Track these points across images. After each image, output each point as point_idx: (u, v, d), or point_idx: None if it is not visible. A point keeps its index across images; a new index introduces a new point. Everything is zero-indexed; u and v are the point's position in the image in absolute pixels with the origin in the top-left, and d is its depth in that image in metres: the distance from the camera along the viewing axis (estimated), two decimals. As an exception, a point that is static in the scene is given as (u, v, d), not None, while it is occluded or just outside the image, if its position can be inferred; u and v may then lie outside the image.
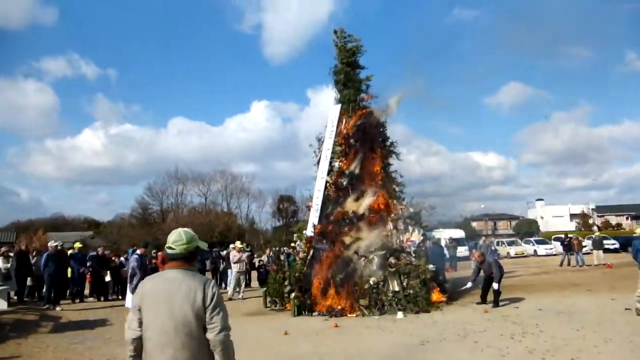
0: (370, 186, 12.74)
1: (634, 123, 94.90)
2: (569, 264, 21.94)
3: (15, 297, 14.21)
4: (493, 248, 24.48)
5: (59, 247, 13.77)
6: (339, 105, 13.68)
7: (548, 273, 18.87)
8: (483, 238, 28.24)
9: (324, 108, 14.74)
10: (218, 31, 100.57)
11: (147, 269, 10.50)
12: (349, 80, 13.90)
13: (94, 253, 16.13)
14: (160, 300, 2.64)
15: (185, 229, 2.92)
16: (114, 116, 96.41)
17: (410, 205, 13.27)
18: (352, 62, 14.00)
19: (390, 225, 12.33)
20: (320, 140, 14.06)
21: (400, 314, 10.34)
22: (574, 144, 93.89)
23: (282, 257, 17.94)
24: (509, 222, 70.71)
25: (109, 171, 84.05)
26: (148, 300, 2.68)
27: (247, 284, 16.21)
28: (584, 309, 9.89)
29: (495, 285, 10.93)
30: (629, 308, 9.33)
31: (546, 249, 33.82)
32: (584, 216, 63.53)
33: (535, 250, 34.42)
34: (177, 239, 2.79)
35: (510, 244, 36.96)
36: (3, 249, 14.70)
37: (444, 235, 28.18)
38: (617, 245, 31.32)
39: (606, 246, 26.08)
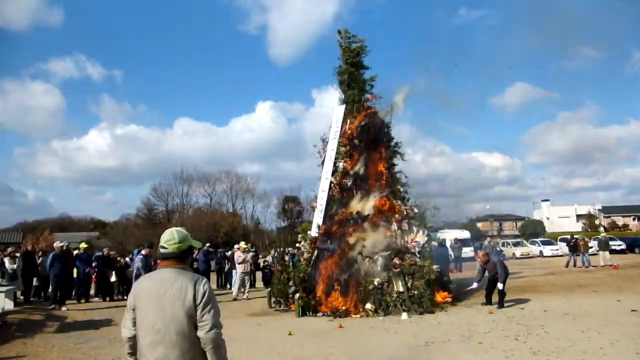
0: (374, 187, 12.74)
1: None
2: (574, 265, 21.81)
3: (22, 297, 14.31)
4: (498, 249, 24.43)
5: (64, 248, 13.85)
6: (343, 106, 13.69)
7: (554, 274, 18.76)
8: (488, 239, 28.18)
9: (329, 108, 14.75)
10: (223, 32, 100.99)
11: (152, 269, 10.51)
12: (353, 80, 13.90)
13: (100, 253, 16.22)
14: (152, 299, 2.66)
15: (178, 228, 2.94)
16: (119, 117, 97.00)
17: (415, 205, 13.25)
18: (356, 63, 14.00)
19: (394, 226, 12.31)
20: (324, 141, 14.07)
21: (404, 315, 10.32)
22: (581, 144, 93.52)
23: (286, 258, 17.96)
24: (514, 223, 70.39)
25: (115, 172, 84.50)
26: (141, 299, 2.71)
27: (252, 285, 16.23)
28: (590, 311, 9.83)
29: (500, 286, 10.89)
30: (635, 309, 9.27)
31: (552, 249, 33.63)
32: (590, 217, 63.18)
33: (541, 251, 34.25)
34: (169, 238, 2.82)
35: (516, 244, 36.82)
36: (9, 249, 14.84)
37: (449, 235, 28.15)
38: (623, 246, 31.14)
39: (612, 247, 25.93)
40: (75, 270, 14.61)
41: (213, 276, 19.01)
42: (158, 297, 2.65)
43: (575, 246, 22.35)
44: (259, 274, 19.07)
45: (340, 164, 13.10)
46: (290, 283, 12.22)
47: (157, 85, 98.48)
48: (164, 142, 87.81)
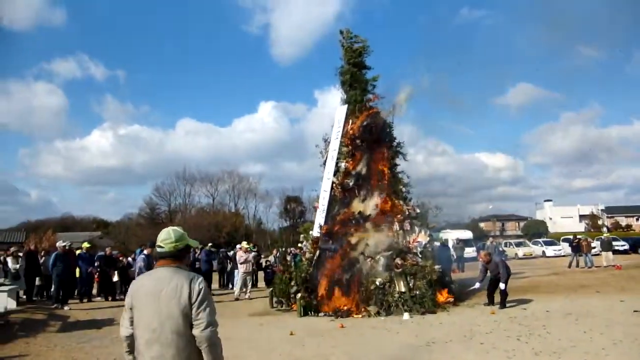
0: (376, 187, 12.73)
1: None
2: (577, 266, 21.76)
3: (24, 297, 14.34)
4: (500, 249, 24.36)
5: (67, 247, 13.88)
6: (346, 106, 13.68)
7: (556, 274, 18.72)
8: (490, 239, 28.11)
9: (332, 109, 14.75)
10: (225, 32, 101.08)
11: (153, 268, 10.52)
12: (355, 80, 13.90)
13: (102, 253, 16.24)
14: (148, 298, 2.69)
15: (175, 227, 2.96)
16: (122, 117, 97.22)
17: (417, 206, 13.24)
18: (358, 63, 14.00)
19: (396, 226, 12.30)
20: (326, 141, 14.07)
21: (406, 315, 10.31)
22: (583, 144, 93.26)
23: (288, 258, 17.96)
24: (517, 223, 70.26)
25: (118, 171, 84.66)
26: (138, 298, 2.74)
27: (254, 284, 16.24)
28: (592, 311, 9.80)
29: (502, 286, 10.86)
30: (638, 310, 9.24)
31: (555, 250, 33.58)
32: (593, 217, 63.01)
33: (543, 252, 34.19)
34: (166, 237, 2.84)
35: (519, 245, 36.74)
36: (12, 249, 14.87)
37: (451, 236, 28.14)
38: (626, 247, 31.04)
39: (615, 247, 25.84)
40: (77, 270, 14.66)
41: (215, 276, 19.03)
42: (154, 296, 2.67)
43: (577, 246, 22.30)
44: (261, 274, 19.11)
45: (342, 164, 13.10)
46: (292, 283, 12.23)
47: (159, 85, 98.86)
48: (166, 142, 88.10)
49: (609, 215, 65.49)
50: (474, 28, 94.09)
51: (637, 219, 65.78)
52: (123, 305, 2.92)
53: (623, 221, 63.56)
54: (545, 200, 71.64)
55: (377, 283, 11.05)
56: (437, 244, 13.97)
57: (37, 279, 14.65)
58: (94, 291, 15.82)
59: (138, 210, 58.12)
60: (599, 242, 24.34)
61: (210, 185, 59.90)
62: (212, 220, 51.22)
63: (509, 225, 71.58)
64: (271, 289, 13.35)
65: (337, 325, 9.77)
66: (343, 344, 8.04)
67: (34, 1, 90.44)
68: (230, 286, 17.89)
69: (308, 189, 63.94)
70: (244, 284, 15.13)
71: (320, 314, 11.25)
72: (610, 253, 21.68)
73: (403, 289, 10.97)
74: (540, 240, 38.40)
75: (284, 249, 21.23)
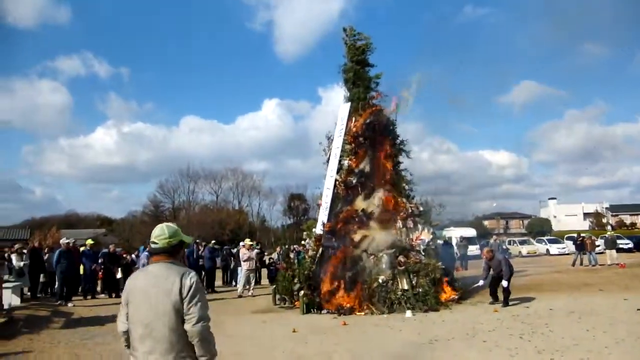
0: (379, 184, 12.72)
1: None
2: (581, 264, 21.69)
3: (29, 293, 14.45)
4: (504, 247, 24.31)
5: (71, 245, 13.95)
6: (349, 104, 13.65)
7: (560, 272, 18.66)
8: (494, 237, 28.08)
9: (336, 106, 14.72)
10: (229, 29, 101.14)
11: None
12: (359, 78, 13.84)
13: (106, 250, 16.32)
14: (142, 293, 2.72)
15: (168, 223, 2.99)
16: (126, 114, 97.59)
17: (420, 203, 13.21)
18: (361, 60, 13.94)
19: (399, 224, 12.29)
20: (329, 139, 14.04)
21: (409, 313, 10.30)
22: (588, 142, 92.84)
23: (291, 255, 17.98)
24: (521, 221, 70.04)
25: (122, 169, 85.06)
26: (133, 294, 2.78)
27: (257, 282, 16.28)
28: (596, 309, 9.77)
29: (504, 283, 10.82)
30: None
31: (558, 248, 33.50)
32: (597, 215, 62.79)
33: (547, 250, 34.12)
34: (159, 233, 2.86)
35: (522, 243, 36.68)
36: (17, 246, 14.96)
37: (455, 233, 28.06)
38: (631, 245, 30.96)
39: (620, 246, 25.76)
40: (81, 267, 14.73)
41: (219, 273, 19.06)
42: (147, 292, 2.70)
43: (581, 245, 22.24)
44: (264, 272, 19.16)
45: (346, 162, 13.06)
46: (295, 280, 12.23)
47: (163, 83, 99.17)
48: (170, 139, 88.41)
49: (614, 214, 65.23)
50: (478, 26, 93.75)
51: (642, 217, 65.49)
52: (126, 302, 2.93)
53: (628, 219, 63.36)
54: (549, 198, 71.51)
55: (380, 281, 11.05)
56: (440, 241, 13.91)
57: (42, 275, 14.74)
58: (98, 288, 15.90)
59: (142, 207, 58.49)
60: (603, 240, 24.27)
61: (214, 183, 60.13)
62: (215, 217, 51.31)
63: (512, 223, 71.36)
64: (274, 286, 13.37)
65: (339, 323, 9.77)
66: (346, 342, 8.05)
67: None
68: (234, 283, 17.94)
69: (312, 187, 63.75)
70: (247, 282, 15.16)
71: (323, 312, 11.25)
72: (614, 251, 21.60)
73: (406, 287, 10.96)
74: (544, 238, 38.35)
75: (287, 247, 21.26)
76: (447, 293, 11.48)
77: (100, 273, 15.55)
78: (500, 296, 11.05)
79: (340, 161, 13.13)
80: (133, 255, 18.04)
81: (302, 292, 11.58)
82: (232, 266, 19.08)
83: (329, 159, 13.59)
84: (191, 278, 2.71)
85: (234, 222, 51.59)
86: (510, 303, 10.84)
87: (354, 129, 13.21)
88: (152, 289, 2.69)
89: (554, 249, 33.64)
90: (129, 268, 15.83)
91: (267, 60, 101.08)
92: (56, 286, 14.07)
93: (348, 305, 10.97)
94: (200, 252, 17.77)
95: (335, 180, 12.96)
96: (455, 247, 22.07)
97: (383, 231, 12.03)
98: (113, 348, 7.88)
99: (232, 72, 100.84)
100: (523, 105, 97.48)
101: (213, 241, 19.99)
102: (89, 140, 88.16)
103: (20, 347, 8.05)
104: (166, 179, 59.68)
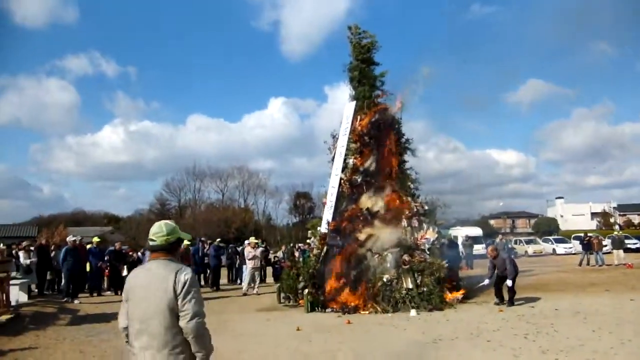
0: (384, 183, 12.69)
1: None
2: (588, 264, 21.56)
3: (36, 290, 14.55)
4: (510, 246, 24.19)
5: (77, 242, 14.03)
6: (354, 102, 13.63)
7: (566, 272, 18.56)
8: (500, 236, 27.95)
9: (342, 105, 14.68)
10: (236, 28, 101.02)
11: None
12: (364, 76, 13.80)
13: (112, 248, 16.40)
14: (140, 290, 2.77)
15: (166, 221, 3.02)
16: (133, 113, 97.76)
17: (425, 202, 13.17)
18: (366, 59, 13.90)
19: (404, 223, 12.26)
20: (334, 137, 14.03)
21: (413, 312, 10.28)
22: (595, 141, 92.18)
23: (296, 254, 18.01)
24: (528, 221, 69.72)
25: (129, 167, 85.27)
26: (131, 291, 2.83)
27: (262, 280, 16.31)
28: (602, 310, 9.70)
29: (509, 283, 10.76)
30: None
31: (565, 248, 33.33)
32: (605, 215, 62.33)
33: (554, 249, 33.96)
34: (157, 230, 2.90)
35: (529, 242, 36.51)
36: (24, 243, 15.10)
37: (460, 233, 27.97)
38: (638, 245, 30.75)
39: (627, 245, 25.57)
40: (88, 264, 14.81)
41: (224, 271, 19.13)
42: (145, 289, 2.74)
43: (588, 244, 22.09)
44: (269, 270, 19.19)
45: (351, 161, 13.05)
46: (300, 279, 12.24)
47: (170, 81, 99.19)
48: (177, 138, 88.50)
49: (621, 213, 64.67)
50: (485, 24, 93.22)
51: (650, 217, 64.93)
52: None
53: (635, 219, 62.72)
54: (556, 198, 70.98)
55: (385, 279, 11.04)
56: (445, 240, 13.85)
57: (48, 273, 14.83)
58: (104, 285, 15.98)
59: (148, 205, 58.75)
60: (610, 240, 24.11)
61: (220, 181, 60.26)
62: (221, 215, 51.49)
63: (519, 222, 71.07)
64: (279, 284, 13.39)
65: (344, 322, 9.77)
66: (350, 340, 8.05)
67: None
68: (239, 281, 17.98)
69: (318, 185, 64.06)
70: (252, 280, 15.20)
71: (327, 310, 11.25)
72: (621, 251, 21.44)
73: (410, 286, 10.94)
74: (550, 237, 38.16)
75: (292, 245, 21.31)
76: (452, 293, 11.45)
77: (106, 270, 15.63)
78: (506, 296, 11.00)
79: (345, 160, 13.12)
80: (139, 253, 18.14)
81: (306, 291, 11.59)
82: (237, 264, 19.12)
83: (334, 157, 13.59)
84: (185, 275, 2.73)
85: (240, 221, 51.74)
86: (516, 303, 10.80)
87: (359, 128, 13.19)
88: (149, 286, 2.73)
89: (561, 248, 33.48)
90: (135, 266, 15.85)
91: (273, 59, 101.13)
92: (62, 283, 14.16)
93: (352, 303, 10.97)
94: (205, 250, 17.84)
95: (341, 178, 12.96)
96: (460, 246, 21.96)
97: (388, 230, 12.01)
98: (117, 345, 7.93)
99: (239, 70, 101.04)
100: (530, 104, 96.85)
101: (218, 239, 20.05)
102: (96, 139, 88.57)
103: (26, 343, 8.12)
104: (172, 177, 60.04)
